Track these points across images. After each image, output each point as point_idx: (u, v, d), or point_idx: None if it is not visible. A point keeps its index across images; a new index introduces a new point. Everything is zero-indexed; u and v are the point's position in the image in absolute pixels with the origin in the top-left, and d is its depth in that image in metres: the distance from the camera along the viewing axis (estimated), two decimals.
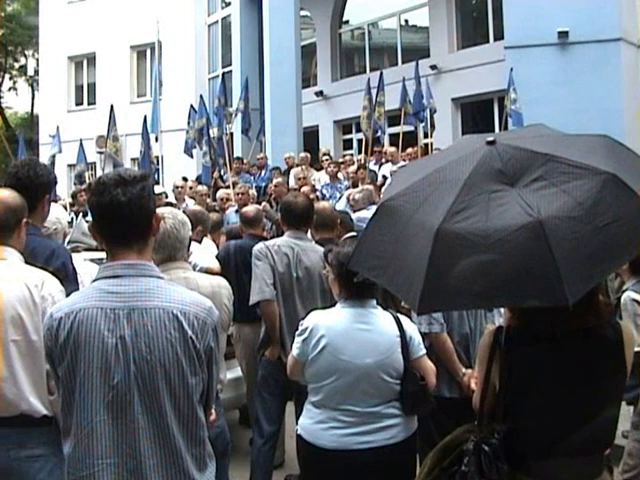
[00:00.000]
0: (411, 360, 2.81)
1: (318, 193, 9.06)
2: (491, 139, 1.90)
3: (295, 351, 2.85)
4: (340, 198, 9.05)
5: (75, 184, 12.92)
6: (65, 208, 9.72)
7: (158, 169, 12.03)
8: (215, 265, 4.90)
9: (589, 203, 1.69)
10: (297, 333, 2.86)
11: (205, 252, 4.81)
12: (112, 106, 12.19)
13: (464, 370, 3.28)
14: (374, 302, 2.87)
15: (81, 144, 13.19)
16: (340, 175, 10.04)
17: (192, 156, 13.03)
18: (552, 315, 1.87)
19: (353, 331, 2.76)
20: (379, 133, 11.56)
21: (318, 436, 2.76)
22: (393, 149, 10.74)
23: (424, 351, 2.89)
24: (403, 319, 2.88)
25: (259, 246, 4.00)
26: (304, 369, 2.83)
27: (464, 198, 1.76)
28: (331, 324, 2.78)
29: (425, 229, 1.75)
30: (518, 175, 1.79)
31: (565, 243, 1.63)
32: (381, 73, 11.51)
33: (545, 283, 1.62)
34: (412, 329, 2.88)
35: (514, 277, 1.64)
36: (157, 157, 12.49)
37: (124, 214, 1.87)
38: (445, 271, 1.67)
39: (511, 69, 10.95)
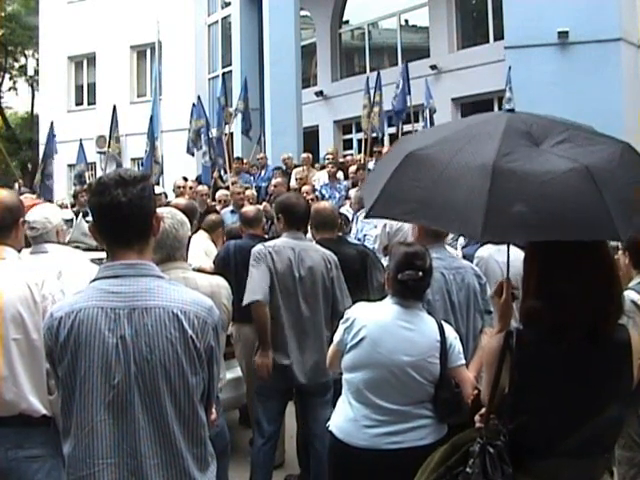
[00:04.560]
0: (449, 368, 2.82)
1: (317, 193, 9.06)
2: (509, 107, 2.03)
3: (336, 339, 2.92)
4: (339, 198, 9.07)
5: (75, 184, 12.90)
6: (65, 207, 9.70)
7: (162, 170, 12.00)
8: (207, 264, 4.89)
9: (616, 162, 1.84)
10: (341, 322, 2.92)
11: (196, 250, 4.77)
12: (115, 107, 12.17)
13: None
14: (420, 305, 2.90)
15: (81, 144, 13.18)
16: (339, 175, 10.05)
17: (194, 155, 13.03)
18: (562, 318, 1.88)
19: (394, 327, 2.78)
20: (377, 133, 11.55)
21: (350, 434, 2.78)
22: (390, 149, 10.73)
23: (463, 361, 2.89)
24: (446, 326, 2.89)
25: (258, 248, 3.96)
26: (341, 358, 2.88)
27: (507, 144, 1.86)
28: (374, 317, 2.82)
29: (474, 168, 1.83)
30: (542, 137, 1.91)
31: (609, 187, 1.75)
32: (378, 73, 11.51)
33: (598, 220, 1.73)
34: (454, 337, 2.88)
35: (568, 213, 1.74)
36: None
37: (124, 214, 1.87)
38: (505, 204, 1.75)
39: (509, 68, 10.96)
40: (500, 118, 2.03)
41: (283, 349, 3.86)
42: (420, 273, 2.79)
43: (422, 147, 1.98)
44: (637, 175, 1.87)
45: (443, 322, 2.91)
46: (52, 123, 12.93)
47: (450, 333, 2.87)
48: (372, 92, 11.30)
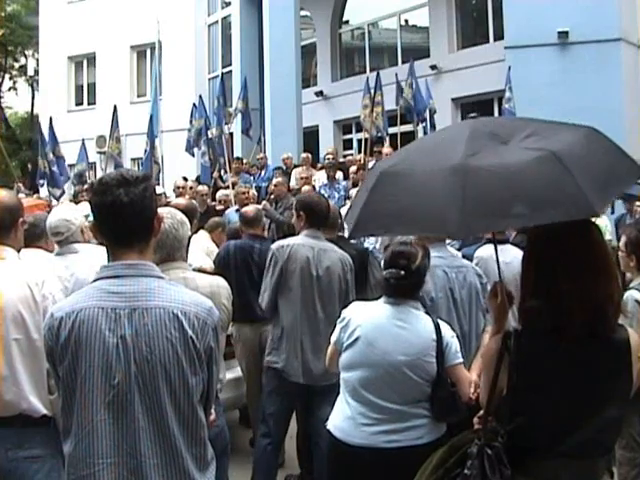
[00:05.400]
0: (446, 367, 2.81)
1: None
2: (473, 115, 2.12)
3: (333, 338, 2.95)
4: (339, 198, 9.06)
5: (74, 184, 12.87)
6: None
7: (160, 170, 11.98)
8: (207, 264, 4.90)
9: (582, 144, 1.91)
10: (338, 321, 2.95)
11: (196, 250, 4.77)
12: (115, 107, 12.16)
13: None
14: (417, 304, 2.89)
15: (83, 144, 13.18)
16: (339, 175, 10.05)
17: (193, 155, 13.03)
18: (561, 318, 1.88)
19: (389, 326, 2.79)
20: (382, 133, 11.54)
21: (348, 433, 2.78)
22: (390, 150, 10.72)
23: (461, 360, 2.88)
24: (443, 325, 2.88)
25: (276, 245, 3.98)
26: (339, 357, 2.90)
27: (472, 146, 1.93)
28: (369, 316, 2.84)
29: (442, 172, 1.90)
30: (509, 135, 1.98)
31: (578, 165, 1.80)
32: (378, 73, 11.51)
33: (571, 198, 1.76)
34: (450, 336, 2.87)
35: (543, 197, 1.79)
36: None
37: (126, 214, 1.87)
38: (480, 198, 1.80)
39: (509, 68, 10.96)
40: (464, 125, 2.17)
41: (296, 349, 3.86)
42: (402, 272, 2.77)
43: (392, 164, 2.11)
44: (607, 151, 1.95)
45: (440, 321, 2.90)
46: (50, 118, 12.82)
47: (447, 332, 2.86)
48: (372, 92, 11.30)
